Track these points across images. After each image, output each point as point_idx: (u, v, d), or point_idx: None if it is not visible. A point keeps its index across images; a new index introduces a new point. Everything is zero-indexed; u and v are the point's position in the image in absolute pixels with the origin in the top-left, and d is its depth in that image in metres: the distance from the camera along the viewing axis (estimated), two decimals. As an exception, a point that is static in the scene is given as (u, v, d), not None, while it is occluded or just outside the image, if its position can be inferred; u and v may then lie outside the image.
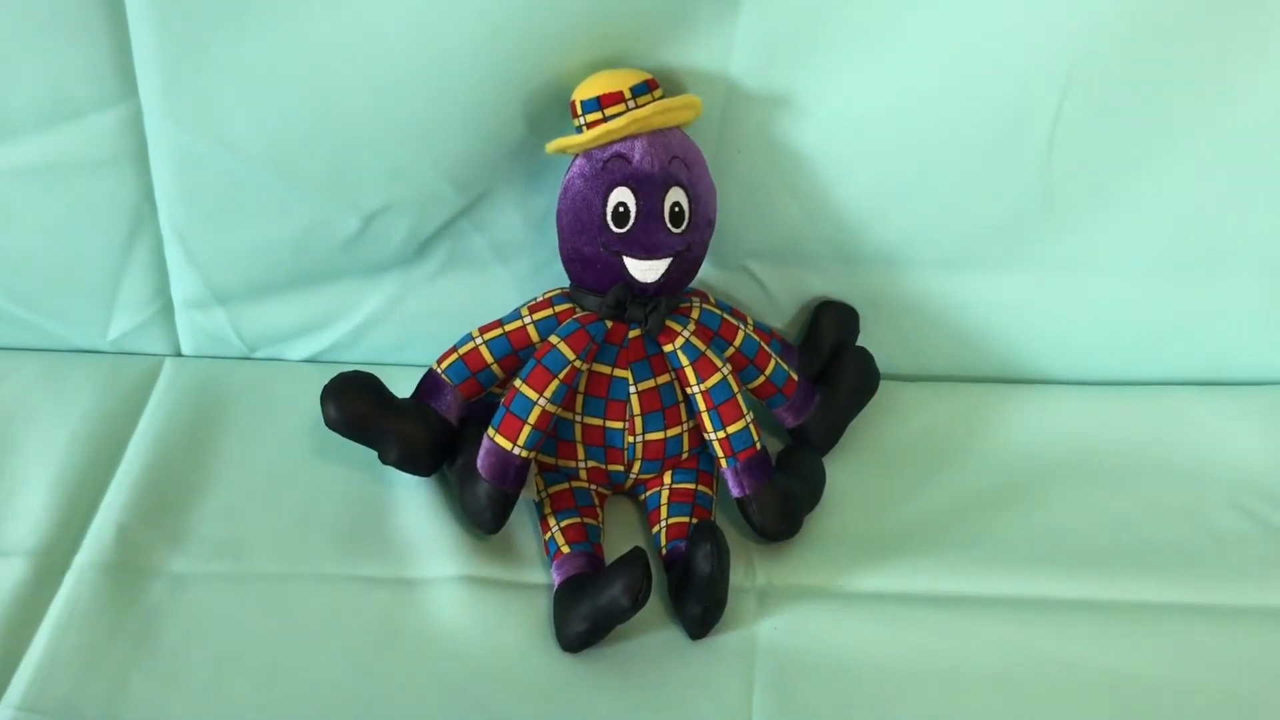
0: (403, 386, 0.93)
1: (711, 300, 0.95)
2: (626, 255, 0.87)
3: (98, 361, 1.04)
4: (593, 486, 0.94)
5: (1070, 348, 1.07)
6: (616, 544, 0.90)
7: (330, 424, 0.90)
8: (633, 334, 0.90)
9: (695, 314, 0.92)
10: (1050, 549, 0.93)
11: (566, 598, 0.84)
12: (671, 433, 0.92)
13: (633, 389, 0.90)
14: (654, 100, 0.87)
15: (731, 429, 0.89)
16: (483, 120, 0.91)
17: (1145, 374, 1.07)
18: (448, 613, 0.86)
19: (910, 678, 0.83)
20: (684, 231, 0.88)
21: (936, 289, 1.03)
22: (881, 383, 1.03)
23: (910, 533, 0.94)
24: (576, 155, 0.89)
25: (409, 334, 1.04)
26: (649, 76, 0.88)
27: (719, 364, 0.89)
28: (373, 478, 0.94)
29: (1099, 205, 0.97)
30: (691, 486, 0.93)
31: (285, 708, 0.80)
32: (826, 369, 1.01)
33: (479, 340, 0.91)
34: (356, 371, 0.91)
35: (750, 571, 0.90)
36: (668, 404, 0.91)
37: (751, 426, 0.90)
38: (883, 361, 1.03)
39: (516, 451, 0.87)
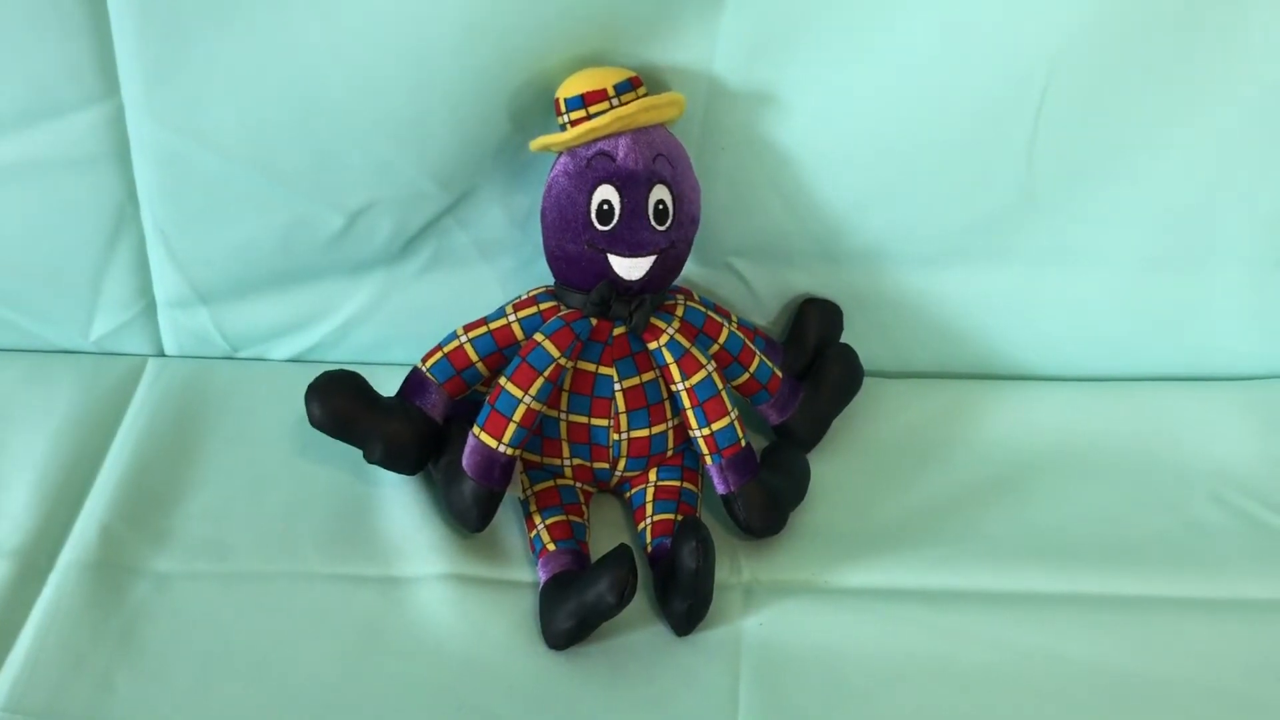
0: (387, 385, 0.93)
1: (696, 297, 0.95)
2: (611, 253, 0.87)
3: (80, 362, 1.03)
4: (578, 484, 0.94)
5: (1053, 343, 1.07)
6: (602, 541, 0.90)
7: (315, 423, 0.89)
8: (617, 331, 0.90)
9: (679, 311, 0.92)
10: (1035, 544, 0.93)
11: (552, 595, 0.84)
12: (656, 430, 0.92)
13: (618, 386, 0.90)
14: (638, 98, 0.87)
15: (716, 426, 0.90)
16: (466, 118, 0.91)
17: (1128, 369, 1.08)
18: (433, 611, 0.86)
19: (895, 672, 0.83)
20: (668, 229, 0.88)
21: (920, 285, 1.03)
22: (865, 379, 1.03)
23: (895, 528, 0.94)
24: (560, 153, 0.89)
25: (393, 332, 1.04)
26: (633, 74, 0.88)
27: (703, 361, 0.90)
28: (357, 476, 0.94)
29: (1081, 201, 0.98)
30: (676, 484, 0.93)
31: (271, 707, 0.80)
32: (810, 366, 1.02)
33: (464, 338, 0.91)
34: (341, 370, 0.91)
35: (735, 568, 0.91)
36: (652, 401, 0.91)
37: (736, 423, 0.90)
38: (866, 358, 1.03)
39: (502, 449, 0.87)
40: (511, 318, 0.91)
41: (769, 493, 0.91)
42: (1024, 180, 0.96)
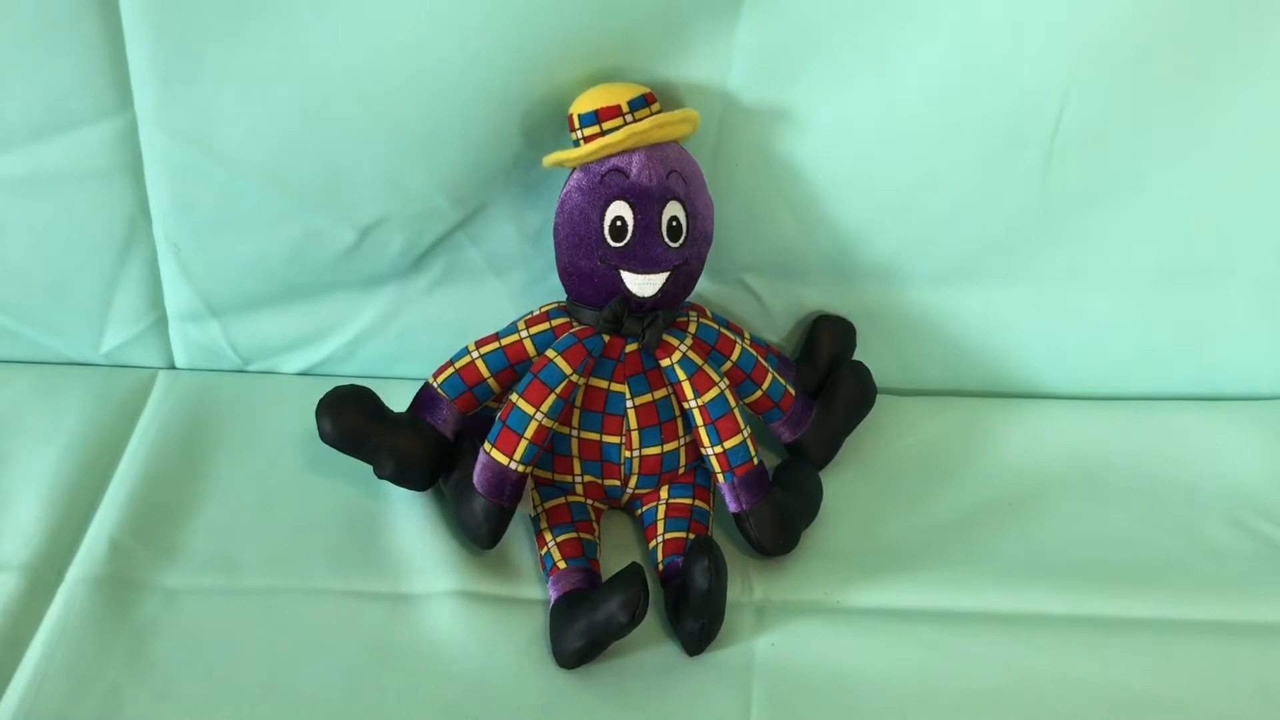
0: (398, 400, 0.92)
1: (708, 314, 0.95)
2: (624, 269, 0.87)
3: (91, 374, 1.03)
4: (589, 501, 0.93)
5: (1066, 362, 1.07)
6: (613, 559, 0.90)
7: (325, 438, 0.89)
8: (630, 348, 0.90)
9: (692, 328, 0.92)
10: (1047, 564, 0.93)
11: (563, 613, 0.84)
12: (668, 447, 0.91)
13: (630, 404, 0.90)
14: (651, 114, 0.87)
15: (729, 444, 0.89)
16: (479, 133, 0.91)
17: (1140, 388, 1.08)
18: (443, 628, 0.86)
19: (907, 693, 0.83)
20: (681, 246, 0.88)
21: (933, 303, 1.03)
22: (878, 397, 1.02)
23: (907, 548, 0.94)
24: (574, 169, 0.89)
25: (404, 347, 1.04)
26: (647, 90, 0.88)
27: (716, 378, 0.89)
28: (368, 492, 0.94)
29: (1095, 220, 0.98)
30: (688, 501, 0.92)
31: (279, 723, 0.79)
32: (823, 383, 1.01)
33: (475, 354, 0.90)
34: (352, 385, 0.91)
35: (747, 587, 0.90)
36: (665, 419, 0.91)
37: (749, 441, 0.90)
38: (879, 376, 1.02)
39: (513, 466, 0.87)
40: (524, 334, 0.90)
41: (781, 511, 0.91)
42: (1038, 199, 0.96)
